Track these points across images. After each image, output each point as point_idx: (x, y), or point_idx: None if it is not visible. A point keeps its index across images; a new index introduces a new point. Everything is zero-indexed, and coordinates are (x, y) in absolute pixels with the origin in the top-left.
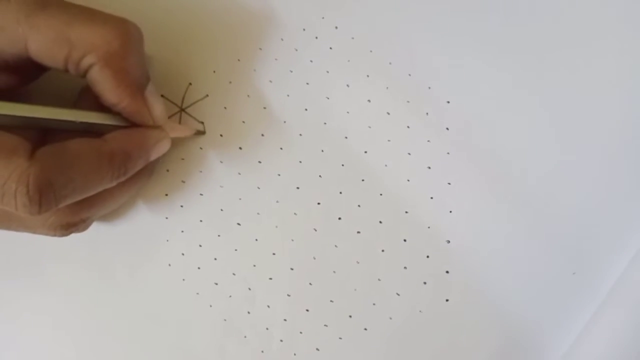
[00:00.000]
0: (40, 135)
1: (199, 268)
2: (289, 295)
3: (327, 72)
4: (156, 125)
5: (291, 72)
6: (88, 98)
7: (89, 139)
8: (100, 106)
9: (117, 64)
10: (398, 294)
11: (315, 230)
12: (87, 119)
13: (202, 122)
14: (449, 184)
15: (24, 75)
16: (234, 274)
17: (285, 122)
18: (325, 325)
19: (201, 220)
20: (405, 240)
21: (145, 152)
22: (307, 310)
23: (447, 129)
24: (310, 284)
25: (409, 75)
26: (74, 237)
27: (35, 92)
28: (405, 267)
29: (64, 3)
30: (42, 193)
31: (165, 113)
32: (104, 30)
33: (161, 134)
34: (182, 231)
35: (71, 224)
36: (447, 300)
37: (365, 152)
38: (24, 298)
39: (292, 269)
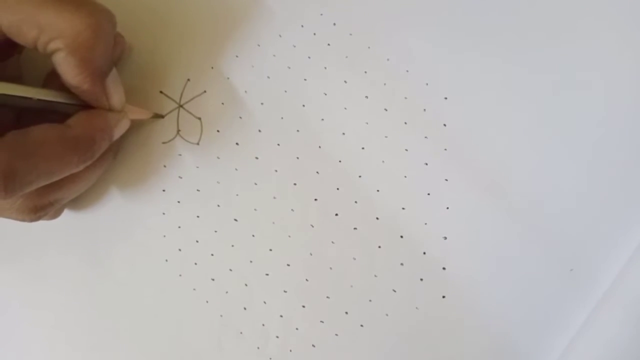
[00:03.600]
0: (14, 119)
1: (195, 264)
2: (285, 292)
3: (325, 68)
4: (114, 109)
5: (289, 68)
6: (55, 78)
7: (53, 125)
8: (65, 87)
9: (82, 53)
10: (394, 291)
11: (312, 227)
12: (44, 96)
13: (200, 118)
14: (446, 180)
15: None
16: (230, 270)
17: (282, 118)
18: (321, 321)
19: (198, 216)
20: (402, 237)
21: (109, 134)
22: (304, 307)
23: (445, 125)
24: (306, 280)
25: (407, 71)
26: (72, 234)
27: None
28: (401, 264)
29: None
30: (7, 179)
31: (123, 100)
32: (74, 19)
33: (120, 114)
34: (179, 227)
35: (39, 207)
36: (443, 296)
37: (363, 148)
38: (22, 296)
39: (288, 265)
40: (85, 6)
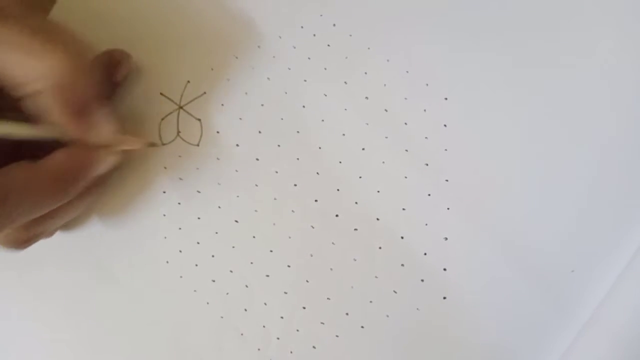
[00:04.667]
0: (14, 150)
1: (196, 265)
2: (285, 293)
3: (325, 69)
4: (101, 144)
5: (289, 69)
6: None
7: (31, 165)
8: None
9: (64, 95)
10: (395, 292)
11: (313, 228)
12: (29, 133)
13: (200, 120)
14: (447, 181)
15: None
16: (231, 271)
17: (282, 119)
18: (321, 322)
19: (199, 218)
20: (402, 238)
21: (91, 171)
22: (304, 308)
23: (445, 125)
24: (307, 281)
25: (407, 72)
26: (73, 236)
27: None
28: (402, 265)
29: (22, 22)
30: None
31: (112, 133)
32: (54, 62)
33: (107, 150)
34: (180, 228)
35: (24, 240)
36: (444, 297)
37: (363, 149)
38: (23, 297)
39: (289, 266)
40: (60, 46)
